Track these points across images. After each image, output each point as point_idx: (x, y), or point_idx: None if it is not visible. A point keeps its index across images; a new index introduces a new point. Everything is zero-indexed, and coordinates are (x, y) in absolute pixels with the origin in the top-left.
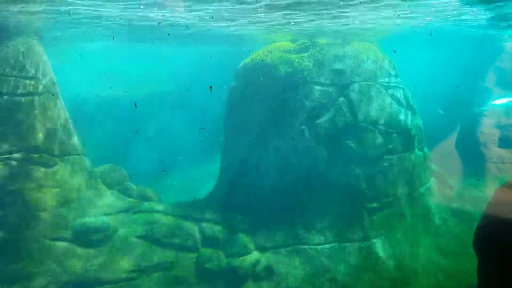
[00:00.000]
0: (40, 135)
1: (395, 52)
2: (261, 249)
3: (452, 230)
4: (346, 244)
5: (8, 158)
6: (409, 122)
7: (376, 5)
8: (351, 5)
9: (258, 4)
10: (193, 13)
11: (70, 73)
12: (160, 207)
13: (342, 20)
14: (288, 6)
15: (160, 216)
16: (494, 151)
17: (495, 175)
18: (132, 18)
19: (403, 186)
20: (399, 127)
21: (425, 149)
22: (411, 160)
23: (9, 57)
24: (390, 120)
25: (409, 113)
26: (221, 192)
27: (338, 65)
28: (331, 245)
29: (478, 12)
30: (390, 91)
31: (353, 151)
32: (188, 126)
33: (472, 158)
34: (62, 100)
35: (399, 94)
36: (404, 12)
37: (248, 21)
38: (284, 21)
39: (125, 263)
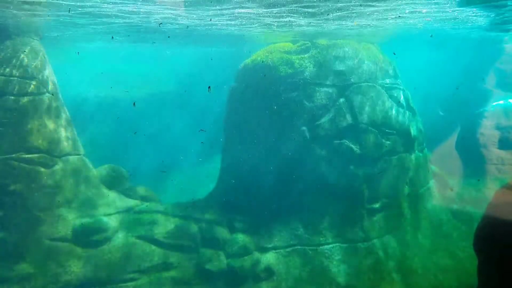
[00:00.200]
0: (40, 135)
1: (394, 54)
2: (261, 249)
3: (452, 231)
4: (346, 244)
5: (8, 158)
6: (409, 123)
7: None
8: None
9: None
10: (194, 15)
11: (70, 73)
12: (160, 207)
13: (346, 21)
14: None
15: (160, 217)
16: (494, 153)
17: (495, 177)
18: (133, 20)
19: (403, 187)
20: (399, 128)
21: (425, 150)
22: (411, 161)
23: (9, 57)
24: (390, 121)
25: (409, 114)
26: (221, 192)
27: (338, 66)
28: (331, 245)
29: (478, 13)
30: (390, 92)
31: (353, 152)
32: (189, 127)
33: (472, 159)
34: (62, 100)
35: (399, 95)
36: (404, 13)
37: (249, 21)
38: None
39: (125, 264)
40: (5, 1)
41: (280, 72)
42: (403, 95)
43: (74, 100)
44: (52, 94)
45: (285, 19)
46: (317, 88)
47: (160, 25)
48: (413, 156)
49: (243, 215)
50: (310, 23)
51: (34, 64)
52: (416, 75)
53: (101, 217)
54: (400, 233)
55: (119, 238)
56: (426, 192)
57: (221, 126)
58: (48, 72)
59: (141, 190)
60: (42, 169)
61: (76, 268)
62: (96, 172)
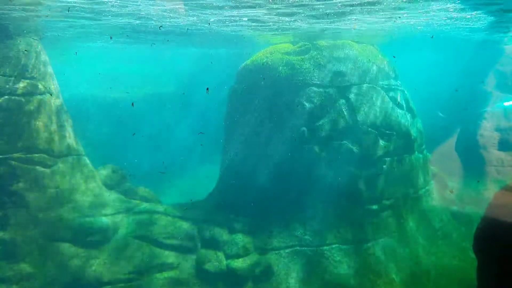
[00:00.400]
0: (40, 135)
1: (394, 57)
2: (261, 250)
3: (452, 232)
4: (346, 245)
5: (8, 158)
6: (409, 124)
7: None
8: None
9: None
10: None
11: (70, 73)
12: (159, 208)
13: (346, 23)
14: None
15: (160, 217)
16: (494, 154)
17: (495, 178)
18: (133, 22)
19: (403, 188)
20: (399, 129)
21: (425, 151)
22: (411, 162)
23: (9, 57)
24: (390, 122)
25: (409, 115)
26: (221, 193)
27: (338, 67)
28: (331, 246)
29: (478, 15)
30: (390, 93)
31: (353, 153)
32: (189, 127)
33: (472, 161)
34: (62, 100)
35: (399, 96)
36: (404, 14)
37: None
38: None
39: (125, 264)
40: (5, 1)
41: (280, 73)
42: (403, 96)
43: (75, 100)
44: (52, 94)
45: (286, 20)
46: (317, 89)
47: (160, 28)
48: (413, 157)
49: (242, 215)
50: (311, 25)
51: (34, 64)
52: (416, 76)
53: (100, 217)
54: (400, 234)
55: (119, 238)
56: (425, 193)
57: (221, 127)
58: (48, 72)
59: (141, 190)
60: (42, 169)
61: (75, 269)
62: (96, 172)
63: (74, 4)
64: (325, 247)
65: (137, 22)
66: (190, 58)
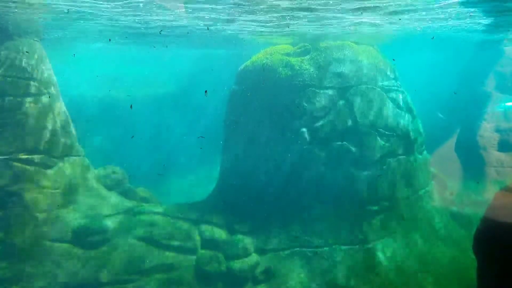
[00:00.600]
0: (41, 136)
1: (394, 60)
2: (261, 251)
3: (452, 233)
4: (346, 246)
5: (8, 159)
6: (408, 125)
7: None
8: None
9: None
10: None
11: (70, 74)
12: (159, 209)
13: (345, 24)
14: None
15: (160, 218)
16: (494, 155)
17: (495, 179)
18: (131, 24)
19: (402, 189)
20: (399, 130)
21: (425, 152)
22: (410, 163)
23: (9, 57)
24: (390, 123)
25: (409, 116)
26: (221, 194)
27: (338, 69)
28: (331, 247)
29: (478, 16)
30: (390, 95)
31: (352, 154)
32: (189, 128)
33: (472, 162)
34: (62, 101)
35: (399, 97)
36: (404, 15)
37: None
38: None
39: (125, 265)
40: (5, 1)
41: (280, 74)
42: (403, 97)
43: (75, 101)
44: (51, 96)
45: (286, 22)
46: (316, 90)
47: (161, 32)
48: (412, 158)
49: (242, 216)
50: (311, 26)
51: (35, 64)
52: (416, 77)
53: (100, 218)
54: (400, 235)
55: (119, 239)
56: (425, 194)
57: (221, 128)
58: (49, 72)
59: (140, 191)
60: (42, 170)
61: (75, 269)
62: (96, 173)
63: (74, 5)
64: (325, 248)
65: (138, 25)
66: (190, 59)
